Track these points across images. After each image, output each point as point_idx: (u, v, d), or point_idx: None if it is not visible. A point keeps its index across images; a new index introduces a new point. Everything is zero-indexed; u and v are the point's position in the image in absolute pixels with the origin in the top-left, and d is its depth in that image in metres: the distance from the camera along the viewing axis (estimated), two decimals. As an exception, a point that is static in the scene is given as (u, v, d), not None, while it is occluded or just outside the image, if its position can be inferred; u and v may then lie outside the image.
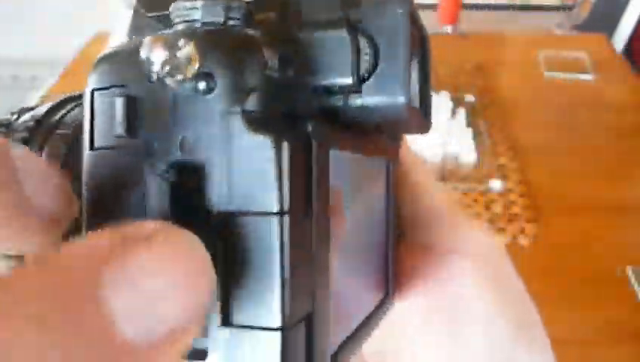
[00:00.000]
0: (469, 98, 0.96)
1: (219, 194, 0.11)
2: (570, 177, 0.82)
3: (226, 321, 0.11)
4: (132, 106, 0.12)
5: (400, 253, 0.20)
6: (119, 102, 0.12)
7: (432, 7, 1.18)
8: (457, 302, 0.19)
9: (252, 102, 0.11)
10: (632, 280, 0.67)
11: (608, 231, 0.73)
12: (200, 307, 0.09)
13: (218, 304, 0.11)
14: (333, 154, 0.13)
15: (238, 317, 0.11)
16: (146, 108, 0.12)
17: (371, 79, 0.13)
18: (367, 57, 0.13)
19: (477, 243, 0.20)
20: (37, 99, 1.03)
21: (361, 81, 0.13)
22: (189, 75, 0.11)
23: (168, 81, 0.11)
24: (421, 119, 0.16)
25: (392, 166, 0.19)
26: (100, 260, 0.08)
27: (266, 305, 0.11)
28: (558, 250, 0.71)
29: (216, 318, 0.11)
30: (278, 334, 0.11)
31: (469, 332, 0.18)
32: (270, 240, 0.11)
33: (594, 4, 1.34)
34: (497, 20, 1.50)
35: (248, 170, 0.11)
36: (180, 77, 0.11)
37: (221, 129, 0.11)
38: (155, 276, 0.08)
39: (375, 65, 0.13)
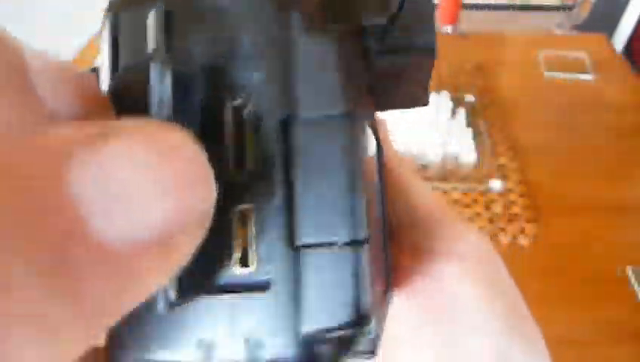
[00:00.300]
0: (469, 98, 0.96)
1: (277, 99, 0.10)
2: (570, 177, 0.82)
3: (291, 243, 0.10)
4: (168, 18, 0.11)
5: (393, 251, 0.20)
6: (153, 16, 0.11)
7: None
8: (453, 302, 0.19)
9: (307, 6, 0.11)
10: (632, 280, 0.67)
11: (608, 231, 0.73)
12: (195, 214, 0.07)
13: (282, 226, 0.10)
14: None
15: (307, 237, 0.10)
16: (185, 18, 0.11)
17: (400, 21, 0.13)
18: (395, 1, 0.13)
19: (470, 244, 0.20)
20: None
21: (390, 22, 0.13)
22: None
23: None
24: (427, 85, 0.15)
25: (381, 150, 0.19)
26: (73, 142, 0.07)
27: (345, 216, 0.10)
28: (558, 250, 0.71)
29: (279, 243, 0.10)
30: (361, 248, 0.10)
31: (465, 333, 0.18)
32: (341, 143, 0.10)
33: (594, 4, 1.34)
34: (497, 20, 1.50)
35: (311, 71, 0.10)
36: None
37: (278, 30, 0.10)
38: (137, 167, 0.07)
39: (401, 8, 0.13)
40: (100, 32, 0.12)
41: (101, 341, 0.07)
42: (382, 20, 0.13)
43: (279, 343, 0.10)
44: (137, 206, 0.07)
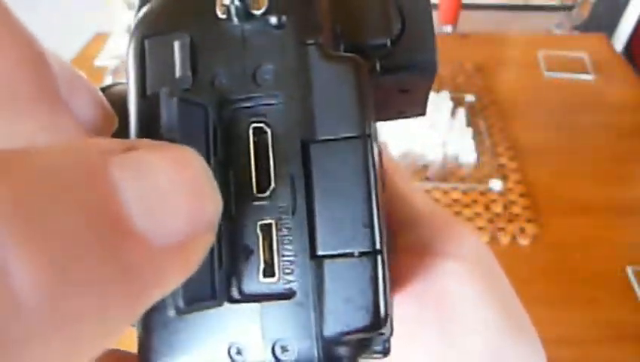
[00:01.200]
0: (469, 98, 0.96)
1: (297, 124, 0.11)
2: (570, 177, 0.82)
3: (312, 254, 0.11)
4: (194, 47, 0.12)
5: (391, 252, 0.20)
6: (178, 45, 0.12)
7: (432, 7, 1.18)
8: (450, 302, 0.19)
9: (324, 36, 0.12)
10: (632, 280, 0.67)
11: (608, 231, 0.73)
12: (206, 220, 0.08)
13: (303, 239, 0.11)
14: None
15: (327, 248, 0.11)
16: (209, 49, 0.12)
17: (401, 41, 0.14)
18: (396, 22, 0.14)
19: (467, 245, 0.20)
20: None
21: (393, 42, 0.14)
22: (261, 9, 0.11)
23: (237, 17, 0.11)
24: (427, 97, 0.16)
25: (382, 155, 0.19)
26: (109, 150, 0.08)
27: (361, 228, 0.11)
28: (558, 250, 0.71)
29: (301, 254, 0.11)
30: (377, 257, 0.10)
31: (462, 333, 0.19)
32: (357, 162, 0.11)
33: (594, 4, 1.34)
34: (497, 20, 1.50)
35: (327, 97, 0.11)
36: (252, 12, 0.11)
37: (298, 60, 0.11)
38: (164, 173, 0.08)
39: (403, 30, 0.14)
40: (127, 56, 0.13)
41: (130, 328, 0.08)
42: (385, 41, 0.13)
43: (303, 346, 0.11)
44: (167, 204, 0.08)
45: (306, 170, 0.11)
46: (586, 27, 1.32)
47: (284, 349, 0.11)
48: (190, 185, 0.08)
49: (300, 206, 0.11)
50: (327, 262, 0.11)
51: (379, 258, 0.11)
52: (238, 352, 0.11)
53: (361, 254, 0.11)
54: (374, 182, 0.11)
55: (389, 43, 0.14)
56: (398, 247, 0.20)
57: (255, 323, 0.11)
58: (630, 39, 1.27)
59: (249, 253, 0.11)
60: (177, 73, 0.12)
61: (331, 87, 0.11)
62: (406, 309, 0.19)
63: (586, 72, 1.03)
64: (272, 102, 0.11)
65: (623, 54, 1.18)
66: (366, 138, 0.11)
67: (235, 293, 0.11)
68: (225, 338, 0.11)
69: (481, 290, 0.19)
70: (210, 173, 0.09)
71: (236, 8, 0.11)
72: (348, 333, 0.10)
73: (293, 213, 0.11)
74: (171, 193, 0.08)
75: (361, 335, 0.11)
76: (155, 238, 0.07)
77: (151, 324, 0.12)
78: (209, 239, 0.09)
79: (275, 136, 0.11)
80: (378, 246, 0.11)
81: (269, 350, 0.11)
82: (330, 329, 0.10)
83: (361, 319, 0.10)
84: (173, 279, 0.08)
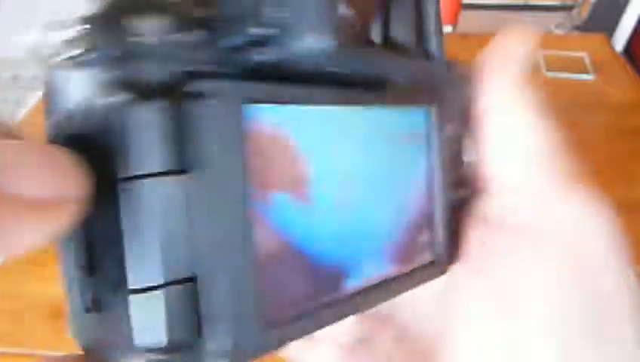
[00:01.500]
0: (469, 98, 0.96)
1: (114, 160, 0.11)
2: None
3: (126, 287, 0.12)
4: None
5: (466, 218, 0.18)
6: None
7: None
8: (516, 290, 0.16)
9: (129, 68, 0.11)
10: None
11: (608, 231, 0.73)
12: (65, 189, 0.10)
13: (117, 272, 0.12)
14: (289, 110, 0.13)
15: (134, 282, 0.11)
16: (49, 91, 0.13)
17: (287, 26, 0.13)
18: (276, 4, 0.13)
19: (551, 224, 0.17)
20: (37, 99, 1.03)
21: (274, 30, 0.13)
22: (67, 50, 0.12)
23: (45, 60, 0.12)
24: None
25: (433, 112, 0.18)
26: None
27: (147, 265, 0.11)
28: (558, 249, 0.71)
29: (117, 287, 0.12)
30: (162, 291, 0.11)
31: (526, 331, 0.16)
32: (155, 199, 0.11)
33: (594, 4, 1.34)
34: (497, 20, 1.51)
35: (113, 133, 0.11)
36: (60, 53, 0.12)
37: (97, 96, 0.11)
38: (18, 149, 0.09)
39: (288, 12, 0.13)
40: None
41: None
42: (262, 31, 0.12)
43: (123, 354, 0.12)
44: (21, 179, 0.09)
45: (120, 205, 0.11)
46: (586, 27, 1.32)
47: (115, 353, 0.12)
48: (47, 161, 0.10)
49: (115, 242, 0.12)
50: (134, 296, 0.12)
51: (168, 291, 0.11)
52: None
53: (151, 289, 0.11)
54: (161, 221, 0.11)
55: (267, 31, 0.12)
56: (473, 209, 0.18)
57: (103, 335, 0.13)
58: (630, 39, 1.27)
59: (81, 280, 0.13)
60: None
61: (141, 127, 0.11)
62: (470, 284, 0.17)
63: (586, 72, 1.03)
64: (97, 139, 0.12)
65: (622, 54, 1.18)
66: (169, 174, 0.11)
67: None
68: (83, 337, 0.13)
69: (556, 278, 0.16)
70: (77, 165, 0.10)
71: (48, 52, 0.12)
72: (152, 352, 0.12)
73: (112, 248, 0.12)
74: (24, 161, 0.09)
75: (167, 356, 0.12)
76: (6, 190, 0.09)
77: (74, 314, 0.13)
78: (68, 210, 0.10)
79: (98, 174, 0.11)
80: (157, 283, 0.11)
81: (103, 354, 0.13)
82: (139, 345, 0.12)
83: (155, 341, 0.11)
84: (30, 229, 0.09)
